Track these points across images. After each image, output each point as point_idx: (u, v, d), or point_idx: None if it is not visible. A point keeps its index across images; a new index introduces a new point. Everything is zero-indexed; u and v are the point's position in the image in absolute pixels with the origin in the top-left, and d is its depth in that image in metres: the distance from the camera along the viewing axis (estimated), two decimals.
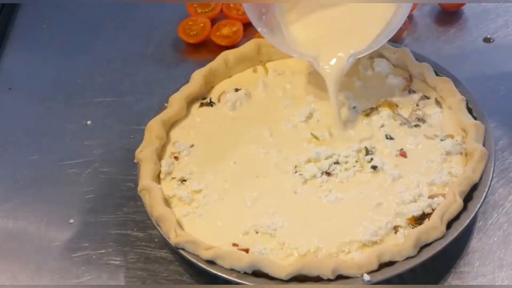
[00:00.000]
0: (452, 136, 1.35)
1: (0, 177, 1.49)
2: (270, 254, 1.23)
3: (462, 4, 1.68)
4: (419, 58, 1.45)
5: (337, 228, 1.25)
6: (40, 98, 1.62)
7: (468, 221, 1.24)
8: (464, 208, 1.24)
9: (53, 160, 1.50)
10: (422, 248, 1.21)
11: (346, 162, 1.34)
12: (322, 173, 1.33)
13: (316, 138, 1.38)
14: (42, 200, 1.44)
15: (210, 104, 1.46)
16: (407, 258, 1.20)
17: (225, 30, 1.67)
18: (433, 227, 1.21)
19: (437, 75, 1.43)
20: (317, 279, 1.20)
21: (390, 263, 1.20)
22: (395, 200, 1.27)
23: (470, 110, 1.38)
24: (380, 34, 1.40)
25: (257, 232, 1.26)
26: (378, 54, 1.47)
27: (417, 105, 1.41)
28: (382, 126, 1.38)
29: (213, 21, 1.69)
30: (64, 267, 1.34)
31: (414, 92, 1.43)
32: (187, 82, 1.47)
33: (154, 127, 1.39)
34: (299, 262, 1.20)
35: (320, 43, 1.42)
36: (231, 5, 1.70)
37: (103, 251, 1.35)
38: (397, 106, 1.41)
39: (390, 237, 1.23)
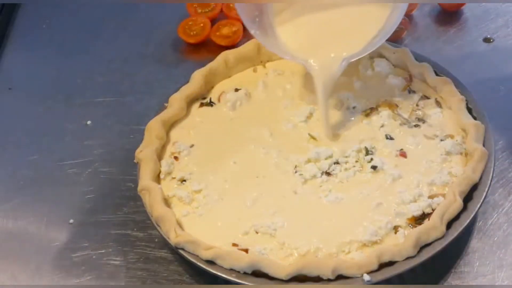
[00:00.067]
0: (452, 136, 1.35)
1: (0, 177, 1.49)
2: (270, 254, 1.23)
3: (462, 4, 1.68)
4: (419, 58, 1.45)
5: (337, 228, 1.25)
6: (40, 98, 1.62)
7: (468, 221, 1.24)
8: (464, 208, 1.24)
9: (53, 160, 1.50)
10: (422, 248, 1.21)
11: (346, 162, 1.34)
12: (322, 173, 1.33)
13: (314, 138, 1.38)
14: (42, 200, 1.44)
15: (210, 104, 1.46)
16: (407, 258, 1.20)
17: (225, 30, 1.67)
18: (433, 227, 1.21)
19: (437, 75, 1.43)
20: (317, 279, 1.20)
21: (390, 263, 1.20)
22: (395, 200, 1.27)
23: (470, 110, 1.37)
24: (374, 36, 1.39)
25: (257, 232, 1.26)
26: (378, 54, 1.47)
27: (417, 105, 1.41)
28: (382, 126, 1.38)
29: (213, 21, 1.69)
30: (64, 267, 1.34)
31: (414, 92, 1.43)
32: (187, 82, 1.47)
33: (154, 127, 1.39)
34: (299, 262, 1.20)
35: (313, 46, 1.41)
36: (231, 5, 1.69)
37: (103, 251, 1.35)
38: (397, 106, 1.41)
39: (390, 237, 1.23)
